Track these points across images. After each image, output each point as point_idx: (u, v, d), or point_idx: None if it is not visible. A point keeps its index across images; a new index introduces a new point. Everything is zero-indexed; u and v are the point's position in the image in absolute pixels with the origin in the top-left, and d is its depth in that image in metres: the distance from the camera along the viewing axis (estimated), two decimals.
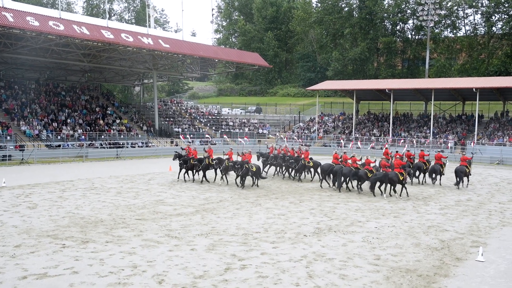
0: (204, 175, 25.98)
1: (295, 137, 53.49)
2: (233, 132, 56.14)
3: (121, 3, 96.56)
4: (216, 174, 26.63)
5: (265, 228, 14.88)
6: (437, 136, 49.47)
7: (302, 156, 27.67)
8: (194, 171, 26.32)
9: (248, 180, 24.86)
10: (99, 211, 17.26)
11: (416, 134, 51.36)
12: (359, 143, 47.37)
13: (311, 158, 28.08)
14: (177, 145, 43.40)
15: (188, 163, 25.95)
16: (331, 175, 24.53)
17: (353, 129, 54.75)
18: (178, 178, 26.57)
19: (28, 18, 34.75)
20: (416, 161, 27.69)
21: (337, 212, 17.91)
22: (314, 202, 19.96)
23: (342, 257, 11.95)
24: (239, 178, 24.08)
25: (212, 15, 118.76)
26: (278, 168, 29.42)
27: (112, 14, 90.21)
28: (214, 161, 25.76)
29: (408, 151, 29.57)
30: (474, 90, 46.34)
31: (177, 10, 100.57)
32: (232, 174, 25.51)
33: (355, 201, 20.56)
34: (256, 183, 24.64)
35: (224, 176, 25.25)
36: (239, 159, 25.07)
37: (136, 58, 49.42)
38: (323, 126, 59.22)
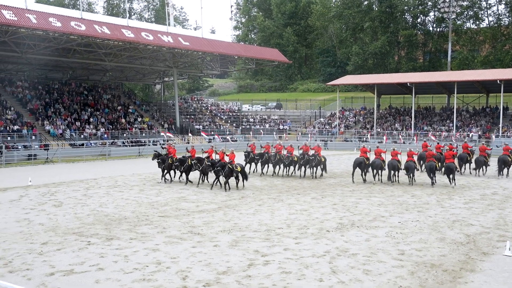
0: (187, 176, 23.86)
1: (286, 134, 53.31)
2: (254, 129, 56.19)
3: (141, 2, 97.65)
4: (201, 175, 23.64)
5: (287, 224, 14.86)
6: (460, 130, 48.76)
7: (310, 152, 27.09)
8: (174, 171, 24.54)
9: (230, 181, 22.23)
10: (122, 208, 17.45)
11: (439, 127, 50.69)
12: (383, 137, 46.96)
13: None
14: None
15: (166, 162, 23.97)
16: (373, 169, 24.54)
17: (375, 124, 54.28)
18: (163, 179, 24.33)
19: (50, 19, 35.30)
20: (460, 152, 28.41)
21: (360, 207, 17.79)
22: (337, 198, 19.86)
23: (365, 252, 11.86)
24: (217, 180, 22.02)
25: (231, 12, 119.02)
26: (276, 167, 27.72)
27: (132, 13, 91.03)
28: (193, 161, 23.33)
29: (451, 143, 30.93)
30: (498, 82, 45.55)
31: (196, 8, 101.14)
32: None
33: (378, 196, 20.40)
34: (241, 185, 22.47)
35: (204, 177, 23.48)
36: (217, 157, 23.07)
37: (156, 56, 49.77)
38: (344, 121, 58.88)
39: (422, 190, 22.05)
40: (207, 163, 22.23)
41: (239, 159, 24.89)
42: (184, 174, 24.10)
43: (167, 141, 40.77)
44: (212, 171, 21.80)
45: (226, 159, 22.09)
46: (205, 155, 23.84)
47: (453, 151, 25.81)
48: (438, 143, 31.32)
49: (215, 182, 22.18)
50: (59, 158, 35.88)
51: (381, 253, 11.76)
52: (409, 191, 21.59)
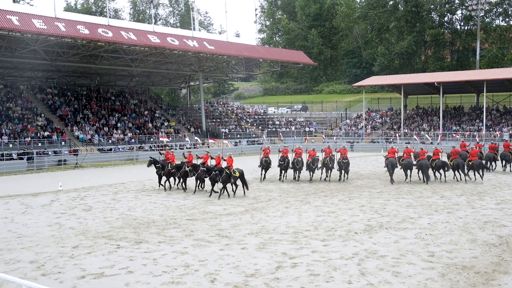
0: (184, 183, 22.96)
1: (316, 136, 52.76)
2: (280, 131, 56.09)
3: (166, 7, 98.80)
4: (197, 182, 22.80)
5: (315, 226, 14.79)
6: (490, 129, 47.75)
7: (337, 154, 26.74)
8: (172, 177, 23.42)
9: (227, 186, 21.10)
10: (150, 212, 17.63)
11: (468, 127, 49.75)
12: (410, 138, 46.31)
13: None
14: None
15: (166, 168, 22.94)
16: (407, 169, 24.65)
17: (402, 124, 53.60)
18: (159, 186, 23.52)
19: (78, 26, 35.94)
20: (502, 151, 29.83)
21: (388, 208, 17.58)
22: (364, 199, 19.68)
23: (394, 254, 11.72)
24: (216, 186, 20.73)
25: (256, 15, 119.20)
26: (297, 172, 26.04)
27: (158, 19, 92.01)
28: (189, 168, 22.34)
29: (493, 143, 32.51)
30: None
31: (221, 12, 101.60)
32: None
33: (406, 197, 20.13)
34: (242, 192, 21.24)
35: (201, 184, 22.65)
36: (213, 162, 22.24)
37: (182, 61, 50.17)
38: (370, 122, 58.30)
39: (451, 191, 21.67)
40: (202, 169, 21.10)
41: (239, 164, 24.32)
42: (181, 180, 23.13)
43: (187, 146, 40.58)
44: (208, 178, 20.62)
45: (224, 164, 21.28)
46: (200, 161, 22.82)
47: (495, 150, 28.51)
48: (477, 142, 31.39)
49: (212, 188, 20.88)
50: (88, 163, 36.46)
51: (411, 255, 11.60)
52: (438, 192, 21.25)
